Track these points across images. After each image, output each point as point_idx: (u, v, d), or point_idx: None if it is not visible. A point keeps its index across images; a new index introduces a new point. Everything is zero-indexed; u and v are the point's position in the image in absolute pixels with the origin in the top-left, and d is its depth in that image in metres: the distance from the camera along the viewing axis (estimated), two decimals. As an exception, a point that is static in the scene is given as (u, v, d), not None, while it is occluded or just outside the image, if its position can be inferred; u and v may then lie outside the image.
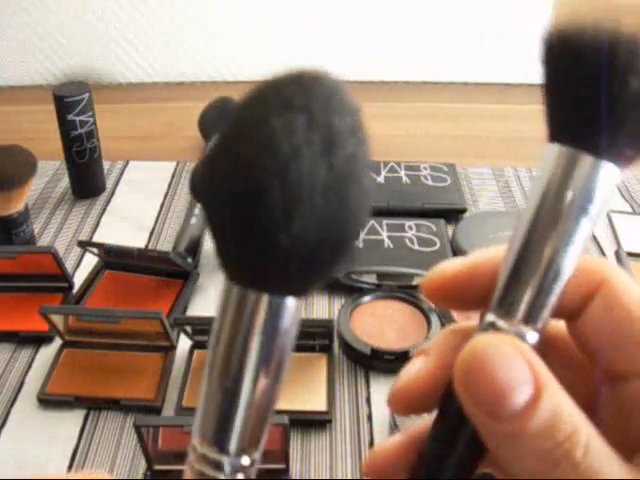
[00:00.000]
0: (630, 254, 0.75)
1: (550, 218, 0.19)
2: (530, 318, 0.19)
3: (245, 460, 0.20)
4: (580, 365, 0.21)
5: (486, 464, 0.21)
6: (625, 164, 0.19)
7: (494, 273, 0.21)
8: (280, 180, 0.17)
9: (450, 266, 0.22)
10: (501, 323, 0.19)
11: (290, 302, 0.19)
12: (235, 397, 0.19)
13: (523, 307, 0.19)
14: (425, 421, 0.22)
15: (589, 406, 0.19)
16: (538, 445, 0.18)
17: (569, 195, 0.19)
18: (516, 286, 0.19)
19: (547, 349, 0.20)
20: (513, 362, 0.18)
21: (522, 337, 0.19)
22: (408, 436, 0.22)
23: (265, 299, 0.18)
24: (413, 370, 0.22)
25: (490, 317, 0.20)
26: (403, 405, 0.22)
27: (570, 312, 0.21)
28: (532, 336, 0.19)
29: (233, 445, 0.19)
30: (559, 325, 0.22)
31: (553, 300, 0.19)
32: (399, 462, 0.22)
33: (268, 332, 0.19)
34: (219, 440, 0.19)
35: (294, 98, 0.17)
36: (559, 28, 0.18)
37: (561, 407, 0.18)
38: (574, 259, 0.19)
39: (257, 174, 0.17)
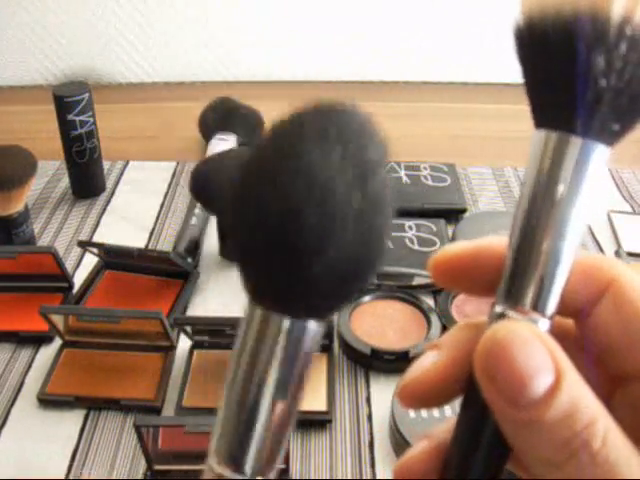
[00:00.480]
0: (630, 254, 0.75)
1: (544, 202, 0.19)
2: (539, 305, 0.19)
3: None
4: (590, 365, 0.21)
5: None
6: (611, 141, 0.19)
7: (499, 259, 0.21)
8: (316, 208, 0.17)
9: (456, 246, 0.22)
10: (511, 313, 0.19)
11: (312, 326, 0.19)
12: (253, 420, 0.19)
13: (530, 294, 0.19)
14: (450, 423, 0.22)
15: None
16: (556, 434, 0.18)
17: (560, 178, 0.19)
18: (520, 274, 0.19)
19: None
20: (534, 349, 0.18)
21: (534, 324, 0.19)
22: (436, 440, 0.22)
23: (287, 323, 0.18)
24: (425, 363, 0.21)
25: (499, 308, 0.20)
26: (413, 399, 0.22)
27: (579, 310, 0.21)
28: (544, 323, 0.19)
29: (249, 466, 0.20)
30: (569, 324, 0.22)
31: (559, 285, 0.19)
32: (428, 467, 0.22)
33: (288, 356, 0.19)
34: (236, 461, 0.20)
35: (329, 128, 0.17)
36: (526, 18, 0.19)
37: (580, 396, 0.18)
38: (574, 241, 0.19)
39: (294, 201, 0.17)
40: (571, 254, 0.19)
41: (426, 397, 0.22)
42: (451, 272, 0.22)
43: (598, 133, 0.18)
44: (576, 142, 0.19)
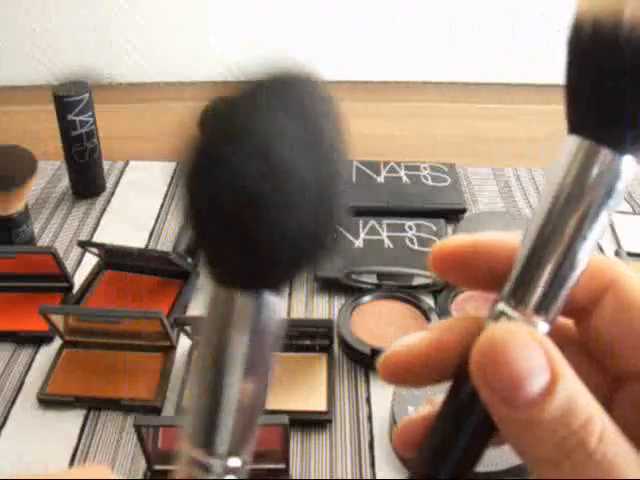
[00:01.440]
0: (630, 254, 0.75)
1: (567, 210, 0.19)
2: (542, 308, 0.19)
3: (235, 462, 0.19)
4: (590, 366, 0.22)
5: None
6: None
7: (498, 255, 0.21)
8: (274, 186, 0.16)
9: (457, 239, 0.22)
10: (512, 313, 0.19)
11: (273, 299, 0.18)
12: (221, 399, 0.19)
13: (535, 297, 0.19)
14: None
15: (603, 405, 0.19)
16: (552, 433, 0.18)
17: (587, 189, 0.19)
18: (530, 276, 0.19)
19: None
20: (530, 350, 0.18)
21: (534, 327, 0.19)
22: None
23: (249, 299, 0.18)
24: (410, 340, 0.22)
25: (501, 306, 0.20)
26: (391, 372, 0.22)
27: (580, 310, 0.21)
28: (543, 326, 0.19)
29: (222, 447, 0.19)
30: (569, 325, 0.22)
31: (566, 292, 0.19)
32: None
33: (252, 330, 0.19)
34: (207, 443, 0.19)
35: (284, 101, 0.17)
36: (584, 21, 0.18)
37: (576, 395, 0.18)
38: (589, 251, 0.19)
39: (250, 183, 0.16)
40: (584, 262, 0.19)
41: (403, 374, 0.22)
42: (450, 263, 0.22)
43: (636, 149, 0.18)
44: (610, 155, 0.18)
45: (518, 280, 0.20)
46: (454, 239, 0.22)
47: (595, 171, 0.18)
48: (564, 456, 0.18)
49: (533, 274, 0.19)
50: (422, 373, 0.21)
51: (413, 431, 0.22)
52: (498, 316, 0.20)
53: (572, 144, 0.19)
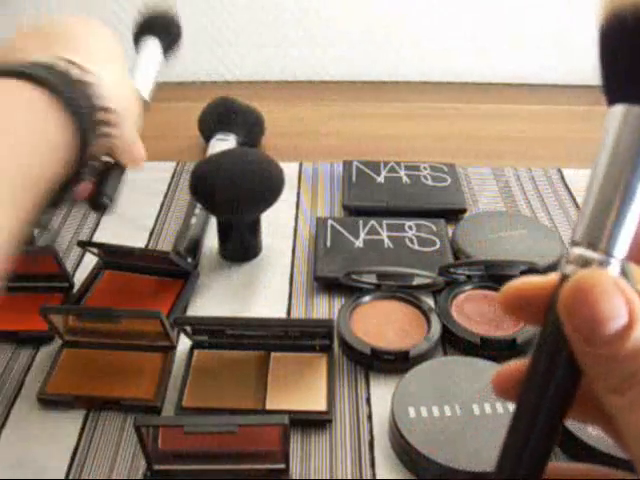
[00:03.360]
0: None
1: (623, 158, 0.22)
2: (612, 248, 0.22)
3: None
4: None
5: (592, 419, 0.26)
6: None
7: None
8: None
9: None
10: (588, 253, 0.23)
11: None
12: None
13: (605, 239, 0.22)
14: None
15: None
16: (623, 367, 0.21)
17: (636, 140, 0.22)
18: (597, 221, 0.23)
19: None
20: (614, 296, 0.21)
21: (606, 265, 0.22)
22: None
23: None
24: (528, 278, 0.25)
25: (577, 250, 0.23)
26: (512, 301, 0.25)
27: None
28: (615, 265, 0.22)
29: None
30: None
31: (628, 233, 0.22)
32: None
33: None
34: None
35: None
36: (608, 14, 0.22)
37: None
38: None
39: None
40: None
41: (521, 304, 0.25)
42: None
43: None
44: None
45: (588, 226, 0.23)
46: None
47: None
48: (630, 386, 0.21)
49: (599, 220, 0.23)
50: (534, 308, 0.25)
51: (509, 375, 0.26)
52: (575, 259, 0.23)
53: (616, 113, 0.22)
